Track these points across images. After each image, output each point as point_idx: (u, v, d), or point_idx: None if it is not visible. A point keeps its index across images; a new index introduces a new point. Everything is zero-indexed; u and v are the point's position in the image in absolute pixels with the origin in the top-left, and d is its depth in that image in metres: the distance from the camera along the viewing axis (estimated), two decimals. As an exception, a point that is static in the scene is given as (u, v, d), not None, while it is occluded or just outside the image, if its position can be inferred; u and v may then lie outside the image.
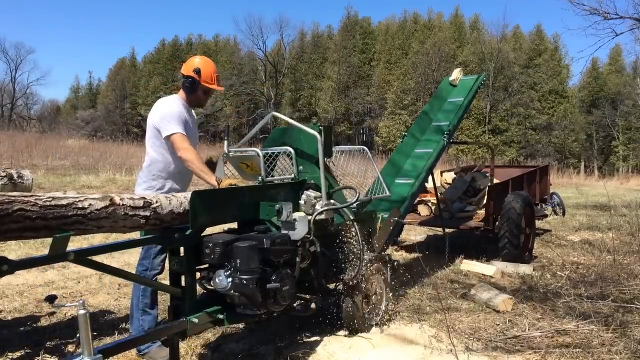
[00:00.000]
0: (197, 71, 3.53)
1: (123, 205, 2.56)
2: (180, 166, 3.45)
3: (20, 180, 3.49)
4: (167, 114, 3.42)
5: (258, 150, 3.48)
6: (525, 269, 5.79)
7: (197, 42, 59.94)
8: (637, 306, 4.22)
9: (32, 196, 2.24)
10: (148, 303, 3.44)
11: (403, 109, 43.82)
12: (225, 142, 3.66)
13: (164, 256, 3.43)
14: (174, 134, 3.36)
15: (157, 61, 57.93)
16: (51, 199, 2.28)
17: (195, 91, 3.59)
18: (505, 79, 43.48)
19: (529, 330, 3.83)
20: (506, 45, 45.29)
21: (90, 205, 2.42)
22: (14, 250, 6.43)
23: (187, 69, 3.57)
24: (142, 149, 23.30)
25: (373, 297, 3.89)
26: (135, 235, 2.88)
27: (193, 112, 3.74)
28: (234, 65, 52.86)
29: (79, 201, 2.40)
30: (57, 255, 2.23)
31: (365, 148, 4.36)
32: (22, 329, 3.93)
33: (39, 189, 10.42)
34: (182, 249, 2.86)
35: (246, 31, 70.63)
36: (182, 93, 3.64)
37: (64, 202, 2.32)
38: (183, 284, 2.89)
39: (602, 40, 18.14)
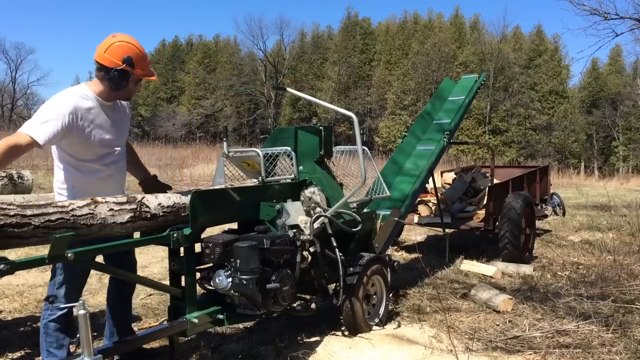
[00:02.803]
0: (129, 61, 2.80)
1: (106, 201, 2.54)
2: (85, 179, 2.84)
3: (20, 181, 3.50)
4: (38, 112, 2.67)
5: (258, 150, 3.48)
6: (525, 269, 5.79)
7: (197, 42, 59.96)
8: (637, 306, 4.22)
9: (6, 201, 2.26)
10: (52, 342, 2.83)
11: (403, 109, 43.82)
12: (225, 143, 3.65)
13: (72, 286, 2.84)
14: (20, 131, 2.59)
15: (157, 61, 57.90)
16: (29, 201, 2.31)
17: (125, 86, 2.89)
18: (505, 79, 43.48)
19: (529, 330, 3.83)
20: (506, 46, 45.31)
21: (70, 204, 2.40)
22: (14, 250, 6.42)
23: (111, 59, 2.79)
24: (141, 148, 23.31)
25: (373, 297, 3.89)
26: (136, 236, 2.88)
27: (121, 103, 3.06)
28: (234, 66, 52.87)
29: (59, 201, 2.41)
30: (57, 255, 2.22)
31: (366, 148, 4.36)
32: (22, 329, 3.93)
33: (39, 189, 10.40)
34: (182, 249, 2.85)
35: (246, 31, 71.06)
36: (97, 85, 2.86)
37: (41, 202, 2.32)
38: (183, 284, 2.89)
39: (602, 41, 18.18)
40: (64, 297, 2.80)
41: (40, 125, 2.59)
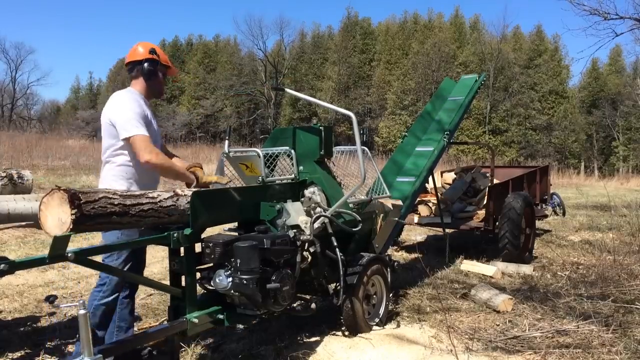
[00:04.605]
0: (153, 51, 3.22)
1: (184, 194, 2.86)
2: (143, 172, 3.14)
3: (20, 181, 3.50)
4: (126, 112, 3.01)
5: (258, 150, 3.48)
6: (525, 269, 5.79)
7: (197, 42, 59.92)
8: (637, 306, 4.22)
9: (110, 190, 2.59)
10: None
11: (403, 109, 43.78)
12: (226, 142, 3.65)
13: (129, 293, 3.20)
14: (134, 135, 2.97)
15: (157, 61, 57.83)
16: (126, 191, 2.63)
17: (155, 75, 3.23)
18: (505, 79, 43.44)
19: (529, 330, 3.83)
20: (506, 46, 45.25)
21: (158, 195, 2.73)
22: (14, 250, 6.43)
23: (139, 54, 3.21)
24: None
25: (373, 297, 3.89)
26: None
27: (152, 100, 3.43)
28: (234, 66, 52.84)
29: (149, 192, 2.73)
30: (57, 255, 2.23)
31: (366, 148, 4.36)
32: (22, 329, 3.93)
33: (39, 189, 10.40)
34: (182, 249, 2.85)
35: (246, 31, 70.82)
36: (138, 83, 3.24)
37: (137, 193, 2.66)
38: (183, 284, 2.89)
39: (602, 41, 18.14)
40: (116, 286, 3.07)
41: (139, 124, 3.00)
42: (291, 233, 3.18)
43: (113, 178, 3.07)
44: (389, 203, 4.74)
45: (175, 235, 2.75)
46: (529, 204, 6.47)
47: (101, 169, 3.18)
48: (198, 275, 3.01)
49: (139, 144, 2.95)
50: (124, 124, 2.98)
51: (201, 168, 3.30)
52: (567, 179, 29.88)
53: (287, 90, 4.20)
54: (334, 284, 3.58)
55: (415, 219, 6.96)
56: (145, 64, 3.19)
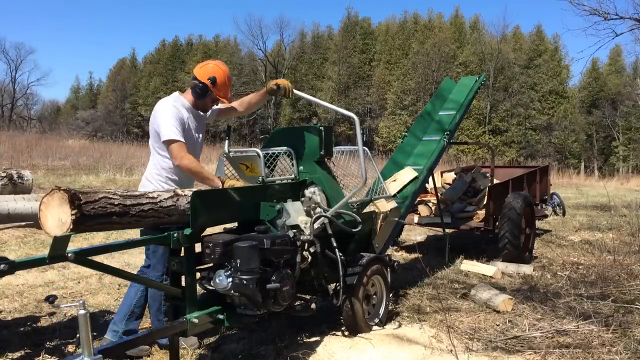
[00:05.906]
0: (213, 80, 3.43)
1: (185, 195, 2.87)
2: (180, 172, 3.44)
3: (20, 181, 3.49)
4: (164, 117, 3.33)
5: (258, 150, 3.48)
6: (525, 269, 5.79)
7: (197, 42, 59.93)
8: (637, 306, 4.23)
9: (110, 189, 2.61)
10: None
11: (403, 109, 43.79)
12: (226, 142, 3.65)
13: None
14: (170, 140, 3.29)
15: (157, 61, 57.94)
16: (126, 191, 2.63)
17: (203, 98, 3.50)
18: (505, 79, 43.45)
19: (529, 330, 3.83)
20: (506, 46, 45.26)
21: (158, 195, 2.76)
22: (14, 250, 6.43)
23: (202, 74, 3.46)
24: (142, 149, 23.27)
25: (373, 297, 3.89)
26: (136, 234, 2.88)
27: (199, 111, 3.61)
28: (234, 66, 52.81)
29: (150, 192, 2.77)
30: (57, 255, 2.23)
31: (366, 148, 4.35)
32: (22, 329, 3.93)
33: (39, 189, 10.40)
34: (182, 249, 2.85)
35: (246, 31, 70.65)
36: (188, 94, 3.53)
37: (137, 193, 2.68)
38: (183, 284, 2.89)
39: (602, 41, 18.12)
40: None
41: (174, 129, 3.31)
42: (291, 233, 3.18)
43: (158, 179, 3.43)
44: (386, 205, 4.73)
45: (175, 235, 2.75)
46: (529, 204, 6.47)
47: (147, 167, 3.55)
48: (198, 275, 3.01)
49: (172, 148, 3.30)
50: (162, 130, 3.32)
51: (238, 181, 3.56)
52: (567, 179, 29.88)
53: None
54: (334, 284, 3.57)
55: (415, 219, 6.96)
56: (199, 85, 3.45)
